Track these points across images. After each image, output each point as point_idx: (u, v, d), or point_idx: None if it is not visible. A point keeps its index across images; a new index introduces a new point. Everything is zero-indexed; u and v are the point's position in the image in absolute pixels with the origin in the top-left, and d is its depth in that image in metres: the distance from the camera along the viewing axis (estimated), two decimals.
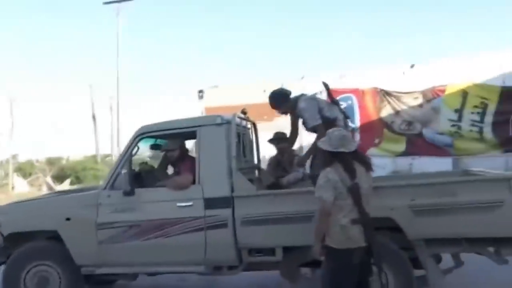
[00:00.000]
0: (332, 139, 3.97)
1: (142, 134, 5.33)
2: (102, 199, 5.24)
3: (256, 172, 5.93)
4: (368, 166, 4.07)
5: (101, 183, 5.67)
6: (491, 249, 4.58)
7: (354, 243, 3.84)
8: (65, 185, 24.06)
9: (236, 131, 5.16)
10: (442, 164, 11.46)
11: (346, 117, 5.79)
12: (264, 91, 16.73)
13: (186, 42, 74.96)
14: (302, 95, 5.55)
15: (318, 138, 5.06)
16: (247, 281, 6.06)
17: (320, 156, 4.25)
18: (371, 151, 10.61)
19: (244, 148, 5.62)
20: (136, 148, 5.31)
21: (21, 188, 26.06)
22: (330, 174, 3.89)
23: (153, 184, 5.37)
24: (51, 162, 33.32)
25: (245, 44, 75.66)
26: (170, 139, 5.45)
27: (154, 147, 5.78)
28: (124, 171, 5.11)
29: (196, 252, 4.95)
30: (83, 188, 8.54)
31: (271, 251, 4.89)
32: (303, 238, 4.59)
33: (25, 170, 30.99)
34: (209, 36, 78.71)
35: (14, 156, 32.71)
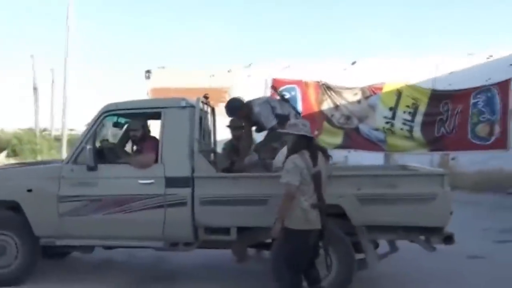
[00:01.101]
0: (299, 126, 4.36)
1: (107, 112, 5.52)
2: (65, 173, 5.39)
3: (212, 155, 6.24)
4: (327, 156, 4.49)
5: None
6: (422, 237, 5.14)
7: (312, 225, 4.26)
8: (1, 158, 23.12)
9: (199, 115, 5.44)
10: (375, 158, 12.15)
11: (297, 112, 6.26)
12: (212, 75, 17.13)
13: (136, 24, 73.22)
14: (254, 100, 6.01)
15: (269, 135, 5.60)
16: (191, 258, 6.37)
17: (288, 143, 4.61)
18: None
19: (204, 131, 5.92)
20: (100, 125, 5.49)
21: None
22: (297, 160, 4.27)
23: (113, 160, 5.57)
24: None
25: (193, 31, 74.96)
26: (135, 119, 5.66)
27: (116, 125, 5.96)
28: (88, 146, 5.27)
29: (154, 228, 5.21)
30: (44, 161, 8.51)
31: (226, 231, 5.21)
32: (257, 220, 5.03)
33: None
34: (158, 19, 77.27)
35: None
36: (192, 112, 5.40)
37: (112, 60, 66.72)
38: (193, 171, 5.23)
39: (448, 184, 4.90)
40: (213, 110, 6.37)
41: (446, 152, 12.63)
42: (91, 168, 5.28)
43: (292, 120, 4.64)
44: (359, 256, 5.11)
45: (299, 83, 13.24)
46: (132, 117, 5.70)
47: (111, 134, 6.44)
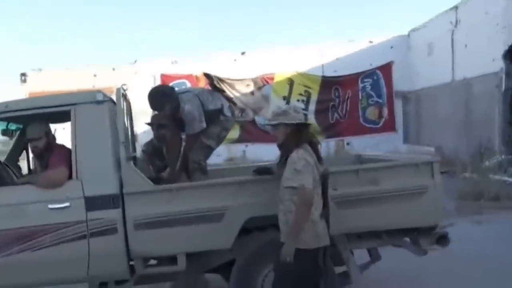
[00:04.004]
0: (290, 113, 3.42)
1: None
2: None
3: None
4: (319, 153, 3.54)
5: None
6: (407, 239, 4.35)
7: (322, 241, 3.35)
8: None
9: (121, 112, 4.15)
10: (275, 151, 11.72)
11: (232, 103, 5.21)
12: (95, 75, 15.48)
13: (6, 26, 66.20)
14: (180, 94, 4.78)
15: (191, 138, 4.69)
16: None
17: (279, 137, 3.57)
18: None
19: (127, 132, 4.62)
20: None
21: None
22: (307, 156, 3.28)
23: (8, 181, 4.10)
24: None
25: (69, 30, 69.42)
26: (34, 123, 4.19)
27: (5, 132, 4.44)
28: None
29: (76, 267, 3.89)
30: None
31: (172, 260, 4.03)
32: (212, 241, 3.98)
33: None
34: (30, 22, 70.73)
35: None
36: (112, 108, 4.12)
37: None
38: (121, 186, 3.97)
39: (439, 172, 4.13)
40: (129, 104, 4.97)
41: (340, 138, 12.88)
42: None
43: (276, 108, 3.64)
44: (338, 269, 4.20)
45: (189, 77, 12.53)
46: (30, 121, 4.23)
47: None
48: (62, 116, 4.14)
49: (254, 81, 11.51)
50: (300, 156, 3.35)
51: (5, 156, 4.69)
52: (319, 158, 3.50)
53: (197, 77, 11.76)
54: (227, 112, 4.85)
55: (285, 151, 3.50)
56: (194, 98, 4.67)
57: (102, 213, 3.90)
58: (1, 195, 3.93)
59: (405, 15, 55.77)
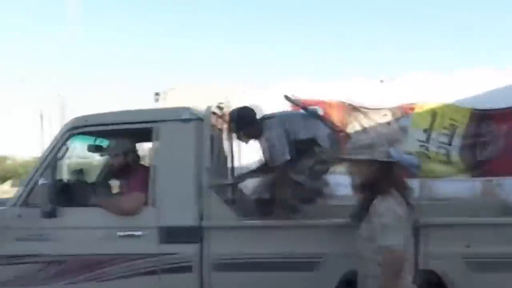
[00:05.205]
0: (377, 147, 2.62)
1: (73, 129, 3.70)
2: (9, 221, 3.58)
3: (229, 192, 4.32)
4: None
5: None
6: None
7: None
8: (6, 187, 21.67)
9: (210, 132, 3.63)
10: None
11: (333, 130, 4.22)
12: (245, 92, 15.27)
13: (130, 45, 71.75)
14: (266, 119, 3.99)
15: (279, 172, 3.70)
16: None
17: (358, 176, 2.78)
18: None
19: (217, 156, 4.07)
20: (64, 149, 3.68)
21: None
22: (396, 207, 2.49)
23: (87, 202, 3.75)
24: None
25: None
26: (114, 139, 3.83)
27: (93, 148, 4.13)
28: (43, 181, 3.48)
29: None
30: None
31: None
32: None
33: None
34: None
35: None
36: (199, 128, 3.60)
37: (114, 84, 63.75)
38: (202, 217, 3.45)
39: None
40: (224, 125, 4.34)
41: (489, 178, 11.47)
42: (48, 214, 3.48)
43: (363, 138, 2.87)
44: None
45: (321, 103, 11.84)
46: (111, 137, 3.87)
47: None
48: (145, 134, 3.69)
49: (392, 111, 10.64)
50: (388, 206, 2.55)
51: (97, 174, 4.40)
52: (410, 207, 2.64)
53: (330, 104, 11.28)
54: (324, 142, 3.93)
55: (367, 195, 2.69)
56: (277, 125, 3.87)
57: (177, 248, 3.42)
58: (74, 216, 3.59)
59: None
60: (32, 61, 61.07)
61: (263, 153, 3.96)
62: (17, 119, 50.59)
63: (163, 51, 72.80)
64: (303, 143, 3.82)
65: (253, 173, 4.13)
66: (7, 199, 3.92)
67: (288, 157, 3.72)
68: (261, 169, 4.02)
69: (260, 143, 3.97)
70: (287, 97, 4.35)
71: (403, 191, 2.68)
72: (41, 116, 31.53)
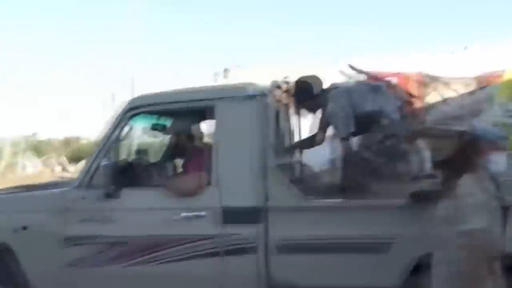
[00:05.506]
0: (465, 119, 2.38)
1: (134, 109, 3.63)
2: (72, 202, 3.59)
3: (296, 171, 4.14)
4: None
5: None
6: None
7: None
8: (79, 168, 22.73)
9: (275, 109, 3.46)
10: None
11: (408, 102, 3.93)
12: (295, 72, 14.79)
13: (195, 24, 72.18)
14: (330, 89, 3.72)
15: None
16: None
17: (453, 152, 2.52)
18: None
19: (282, 134, 3.91)
20: (125, 129, 3.65)
21: (33, 169, 24.39)
22: (480, 188, 2.26)
23: (150, 183, 3.70)
24: (67, 142, 31.53)
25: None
26: (176, 118, 3.76)
27: (156, 127, 4.09)
28: (106, 162, 3.48)
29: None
30: (57, 181, 6.41)
31: None
32: (373, 277, 3.10)
33: (41, 149, 29.25)
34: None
35: (33, 134, 30.96)
36: (263, 105, 3.44)
37: (178, 63, 64.10)
38: (266, 197, 3.30)
39: None
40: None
41: None
42: (110, 195, 3.47)
43: (447, 109, 2.62)
44: None
45: (397, 75, 11.34)
46: (171, 116, 3.80)
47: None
48: (208, 113, 3.59)
49: (477, 80, 10.01)
50: (475, 185, 2.29)
51: (161, 154, 4.37)
52: (497, 185, 2.37)
53: (406, 76, 10.90)
54: (393, 114, 3.62)
55: (449, 173, 2.43)
56: (341, 95, 3.61)
57: (240, 229, 3.30)
58: (137, 197, 3.56)
59: None
60: (103, 42, 62.87)
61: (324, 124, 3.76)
62: (90, 100, 52.33)
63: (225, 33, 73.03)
64: (368, 115, 3.55)
65: (302, 143, 4.01)
66: (71, 180, 3.95)
67: (352, 129, 3.50)
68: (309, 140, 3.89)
69: (321, 115, 3.77)
70: (351, 66, 4.08)
71: (490, 167, 2.42)
72: (113, 97, 32.62)
